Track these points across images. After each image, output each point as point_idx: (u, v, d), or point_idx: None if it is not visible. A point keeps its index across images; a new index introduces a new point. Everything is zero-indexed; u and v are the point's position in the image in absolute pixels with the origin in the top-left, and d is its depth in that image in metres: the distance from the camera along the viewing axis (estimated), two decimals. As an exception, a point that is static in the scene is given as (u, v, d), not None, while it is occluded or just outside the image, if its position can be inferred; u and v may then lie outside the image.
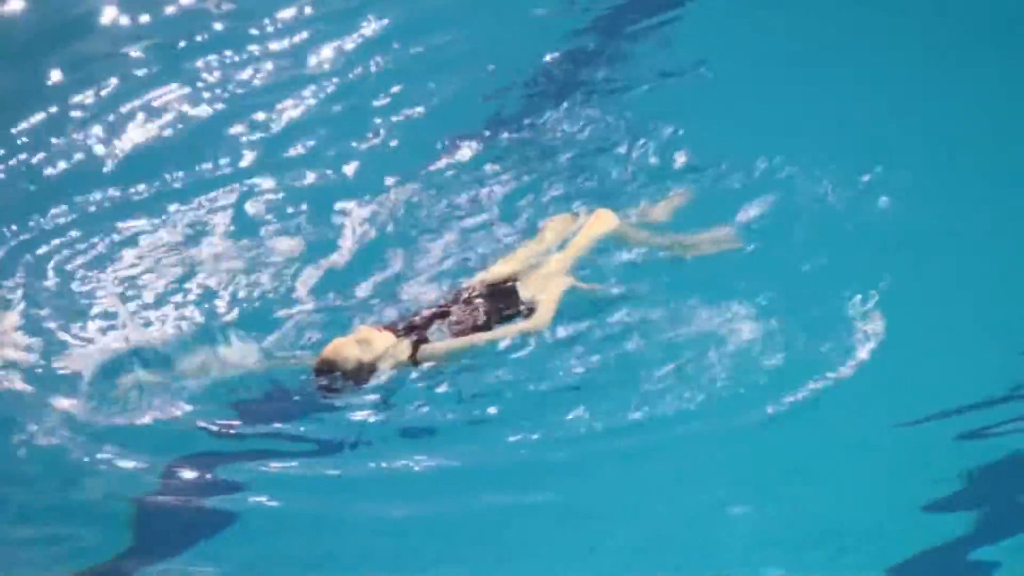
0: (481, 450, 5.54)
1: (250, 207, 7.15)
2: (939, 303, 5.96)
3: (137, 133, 7.70)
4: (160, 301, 6.50)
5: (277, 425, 5.71)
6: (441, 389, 5.77)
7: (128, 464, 5.55)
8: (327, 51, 8.13)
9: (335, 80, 7.94)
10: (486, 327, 5.89)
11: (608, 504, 5.45)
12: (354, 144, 7.49)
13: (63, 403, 5.77)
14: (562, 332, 5.88)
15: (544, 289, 5.96)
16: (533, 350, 5.84)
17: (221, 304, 6.47)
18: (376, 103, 7.75)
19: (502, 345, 5.84)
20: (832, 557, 5.22)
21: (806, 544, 5.27)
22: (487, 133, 7.47)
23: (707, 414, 5.51)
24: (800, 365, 5.65)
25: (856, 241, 6.27)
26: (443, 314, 5.96)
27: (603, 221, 6.34)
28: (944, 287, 6.05)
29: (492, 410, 5.64)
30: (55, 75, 8.15)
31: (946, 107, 7.01)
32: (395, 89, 7.82)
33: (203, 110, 7.82)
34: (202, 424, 5.69)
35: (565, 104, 7.52)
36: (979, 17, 7.52)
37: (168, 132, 7.73)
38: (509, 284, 6.08)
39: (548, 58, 7.95)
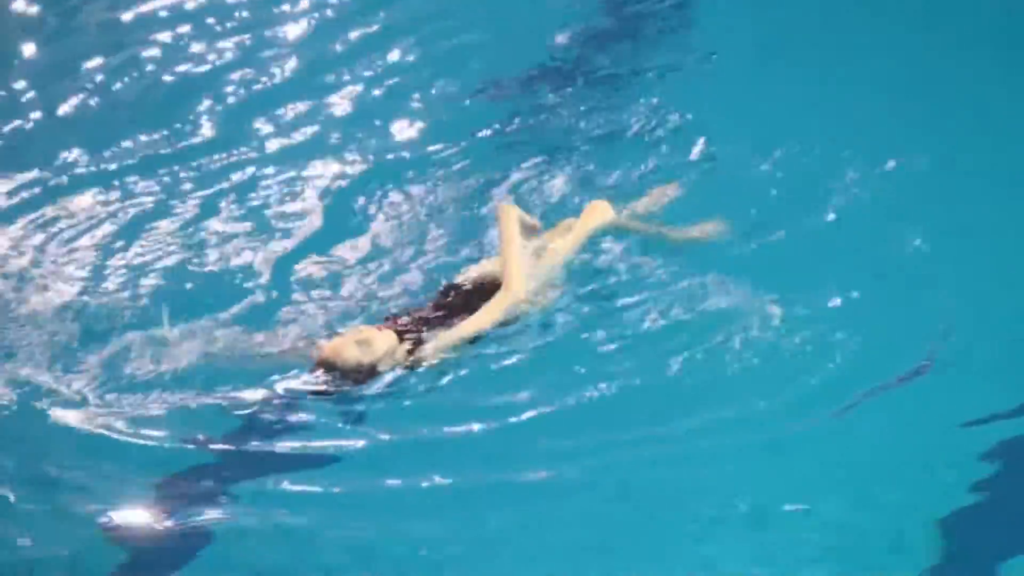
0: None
1: (236, 187, 7.02)
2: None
3: (118, 105, 7.61)
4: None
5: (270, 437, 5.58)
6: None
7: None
8: (319, 24, 8.03)
9: (327, 57, 7.83)
10: None
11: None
12: (347, 125, 7.36)
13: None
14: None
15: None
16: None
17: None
18: (370, 78, 7.64)
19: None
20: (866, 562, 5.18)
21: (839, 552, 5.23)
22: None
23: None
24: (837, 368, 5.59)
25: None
26: (443, 312, 5.79)
27: (599, 213, 6.17)
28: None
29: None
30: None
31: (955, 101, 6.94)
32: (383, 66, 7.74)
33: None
34: (189, 440, 5.52)
35: (569, 88, 7.42)
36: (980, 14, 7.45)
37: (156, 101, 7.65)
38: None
39: (556, 39, 7.83)
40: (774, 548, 5.24)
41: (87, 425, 5.44)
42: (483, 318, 5.63)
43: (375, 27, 7.95)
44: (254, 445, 5.49)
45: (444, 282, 6.03)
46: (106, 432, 5.39)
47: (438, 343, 5.59)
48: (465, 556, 5.22)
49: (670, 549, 5.26)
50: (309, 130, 7.36)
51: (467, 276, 6.01)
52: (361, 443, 5.44)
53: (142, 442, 5.37)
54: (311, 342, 5.78)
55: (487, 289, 5.78)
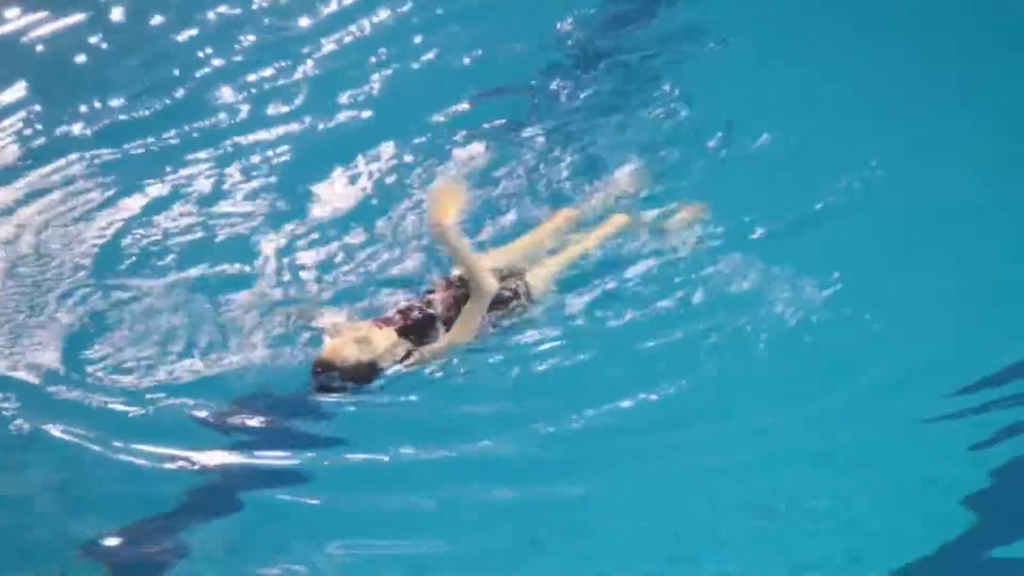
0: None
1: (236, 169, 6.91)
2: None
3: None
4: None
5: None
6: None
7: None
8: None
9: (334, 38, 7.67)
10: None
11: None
12: (350, 107, 7.21)
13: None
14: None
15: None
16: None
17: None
18: (373, 59, 7.47)
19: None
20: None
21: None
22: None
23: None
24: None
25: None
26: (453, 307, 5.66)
27: (616, 224, 6.15)
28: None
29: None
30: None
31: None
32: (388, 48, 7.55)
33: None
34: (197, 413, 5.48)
35: (580, 73, 7.23)
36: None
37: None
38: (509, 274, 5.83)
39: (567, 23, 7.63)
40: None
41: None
42: (465, 325, 5.52)
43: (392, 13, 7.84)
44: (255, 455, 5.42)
45: (455, 273, 5.86)
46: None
47: (430, 350, 5.52)
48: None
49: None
50: (307, 104, 7.29)
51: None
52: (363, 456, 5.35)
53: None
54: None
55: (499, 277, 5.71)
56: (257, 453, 5.37)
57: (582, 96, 7.09)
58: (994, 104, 6.56)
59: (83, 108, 7.35)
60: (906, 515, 5.08)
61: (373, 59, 7.47)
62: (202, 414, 5.47)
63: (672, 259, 5.92)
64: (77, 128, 7.24)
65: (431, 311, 5.60)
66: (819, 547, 5.01)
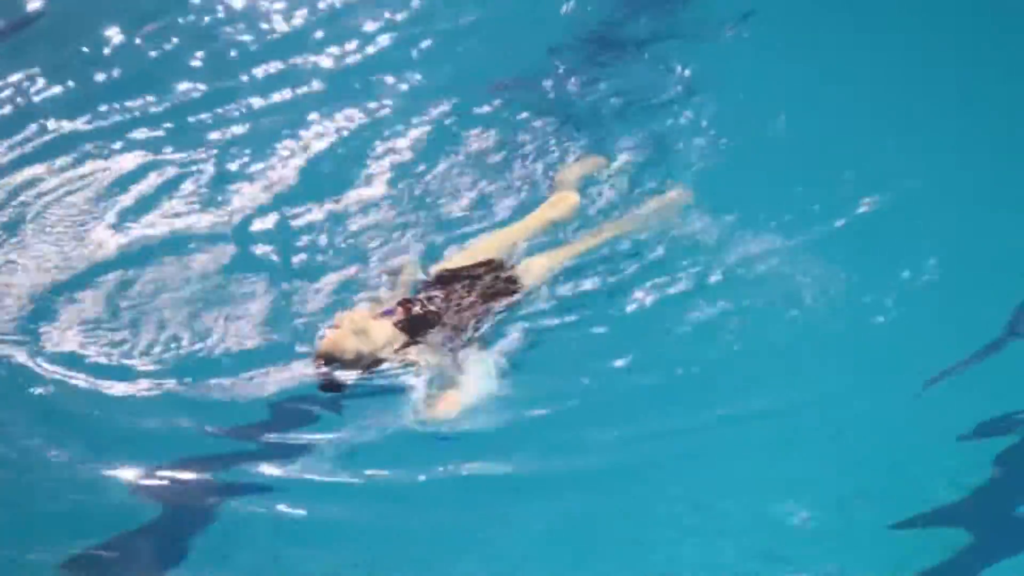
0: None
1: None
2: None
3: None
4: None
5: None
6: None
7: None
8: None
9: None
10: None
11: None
12: (349, 81, 7.24)
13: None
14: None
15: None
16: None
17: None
18: (377, 34, 7.48)
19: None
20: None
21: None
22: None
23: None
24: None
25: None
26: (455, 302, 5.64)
27: (620, 227, 6.11)
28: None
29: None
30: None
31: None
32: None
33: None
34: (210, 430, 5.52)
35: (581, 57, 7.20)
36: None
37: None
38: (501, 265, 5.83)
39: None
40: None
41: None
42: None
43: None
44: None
45: (445, 269, 5.85)
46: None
47: (429, 347, 5.50)
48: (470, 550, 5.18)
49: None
50: (313, 85, 7.27)
51: (462, 259, 5.89)
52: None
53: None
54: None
55: (492, 269, 5.75)
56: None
57: (588, 81, 7.06)
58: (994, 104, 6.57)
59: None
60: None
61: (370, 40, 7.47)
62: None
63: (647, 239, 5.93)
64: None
65: (431, 308, 5.56)
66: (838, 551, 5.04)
